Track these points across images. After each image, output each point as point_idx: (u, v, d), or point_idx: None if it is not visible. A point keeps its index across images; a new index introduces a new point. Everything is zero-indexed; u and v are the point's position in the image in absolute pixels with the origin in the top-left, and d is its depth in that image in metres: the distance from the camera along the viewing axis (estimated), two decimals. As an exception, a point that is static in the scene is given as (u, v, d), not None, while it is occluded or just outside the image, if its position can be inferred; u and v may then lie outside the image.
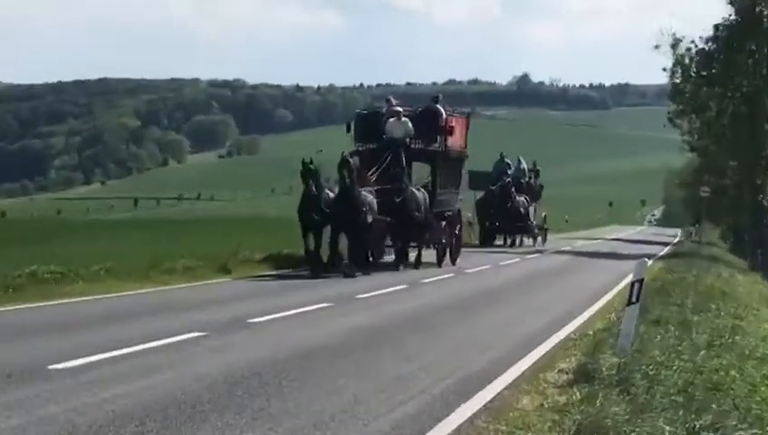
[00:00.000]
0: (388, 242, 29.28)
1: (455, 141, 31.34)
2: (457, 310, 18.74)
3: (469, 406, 9.96)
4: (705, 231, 72.29)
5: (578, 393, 10.52)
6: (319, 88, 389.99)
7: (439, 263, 29.76)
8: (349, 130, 30.67)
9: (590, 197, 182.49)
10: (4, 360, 11.34)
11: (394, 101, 30.66)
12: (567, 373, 11.97)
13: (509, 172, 46.29)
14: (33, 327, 14.53)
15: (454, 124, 31.33)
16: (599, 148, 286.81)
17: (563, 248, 46.30)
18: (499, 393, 10.71)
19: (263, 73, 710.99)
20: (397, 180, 27.18)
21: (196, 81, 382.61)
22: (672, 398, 10.03)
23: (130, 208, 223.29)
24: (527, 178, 48.17)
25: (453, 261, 30.50)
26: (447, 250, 30.51)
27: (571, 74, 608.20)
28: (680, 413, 9.35)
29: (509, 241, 46.68)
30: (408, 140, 28.80)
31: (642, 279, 13.01)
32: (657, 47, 51.27)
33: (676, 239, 73.68)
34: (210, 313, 16.68)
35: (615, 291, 23.11)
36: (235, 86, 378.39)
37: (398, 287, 22.49)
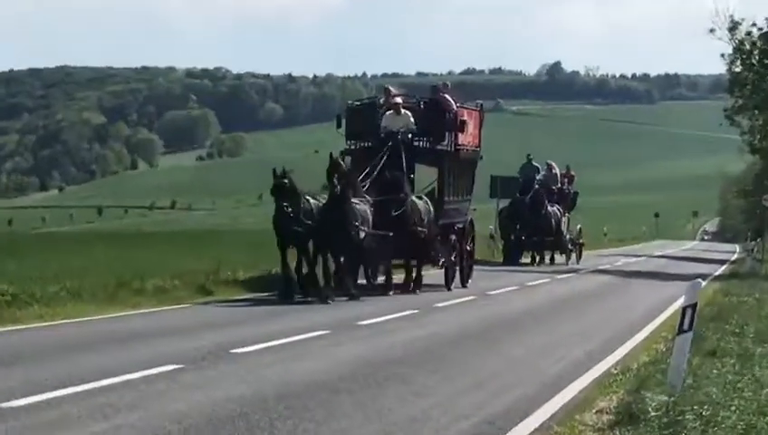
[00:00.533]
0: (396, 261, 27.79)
1: (466, 139, 29.88)
2: (477, 339, 18.72)
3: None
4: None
5: (619, 438, 10.51)
6: (314, 78, 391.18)
7: (448, 285, 28.70)
8: (339, 125, 29.27)
9: (633, 206, 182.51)
10: None
11: (393, 91, 29.45)
12: (607, 414, 11.96)
13: (537, 177, 45.94)
14: None
15: (465, 118, 29.60)
16: (642, 148, 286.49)
17: (601, 267, 46.22)
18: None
19: (248, 61, 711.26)
20: (395, 188, 25.90)
21: (170, 69, 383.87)
22: (731, 444, 10.02)
23: (94, 218, 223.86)
24: (559, 185, 47.28)
25: (463, 282, 29.60)
26: (457, 269, 29.35)
27: (611, 63, 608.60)
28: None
29: (537, 258, 46.20)
30: (409, 137, 27.63)
31: (695, 304, 12.96)
32: (712, 31, 51.06)
33: (735, 257, 73.43)
34: (187, 341, 16.70)
35: (663, 318, 23.07)
36: (216, 76, 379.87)
37: (405, 313, 22.24)
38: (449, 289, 28.09)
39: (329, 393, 12.53)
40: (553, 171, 46.98)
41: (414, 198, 26.64)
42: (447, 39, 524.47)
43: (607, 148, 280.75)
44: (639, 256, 61.95)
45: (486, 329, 20.77)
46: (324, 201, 24.51)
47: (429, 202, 27.53)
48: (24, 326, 18.25)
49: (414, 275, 27.29)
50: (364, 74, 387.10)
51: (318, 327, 18.75)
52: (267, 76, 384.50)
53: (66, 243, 53.93)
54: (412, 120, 27.60)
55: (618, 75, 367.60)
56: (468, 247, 30.29)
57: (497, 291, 29.67)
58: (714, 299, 26.65)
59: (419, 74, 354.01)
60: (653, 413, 11.15)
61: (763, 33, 50.67)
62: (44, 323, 18.66)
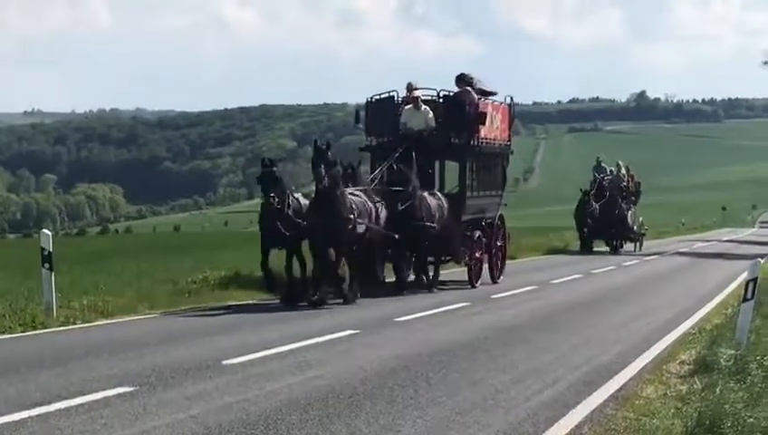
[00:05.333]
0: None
1: (491, 133, 23.04)
2: (586, 307, 18.54)
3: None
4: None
5: (698, 383, 10.38)
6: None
7: (472, 282, 22.00)
8: (357, 120, 22.81)
9: (705, 202, 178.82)
10: (182, 355, 11.63)
11: (414, 86, 22.17)
12: (687, 364, 11.81)
13: (606, 177, 42.52)
14: (204, 328, 14.79)
15: (487, 111, 22.59)
16: (711, 157, 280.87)
17: (681, 250, 45.42)
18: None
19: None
20: (402, 182, 20.15)
21: (344, 105, 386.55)
22: (787, 387, 9.83)
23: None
24: (625, 183, 45.32)
25: (494, 279, 23.15)
26: (485, 266, 22.89)
27: (685, 90, 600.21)
28: (795, 401, 9.17)
29: (614, 245, 41.90)
30: (425, 133, 21.45)
31: (756, 278, 12.83)
32: (765, 63, 51.14)
33: (788, 240, 71.60)
34: (364, 312, 16.75)
35: (730, 289, 22.61)
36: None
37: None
38: (473, 286, 21.81)
39: (470, 351, 12.55)
40: (621, 172, 45.04)
41: (426, 193, 20.72)
42: (557, 75, 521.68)
43: (682, 157, 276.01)
44: (710, 240, 60.78)
45: (595, 298, 20.34)
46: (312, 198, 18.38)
47: (443, 198, 21.36)
48: (239, 302, 18.19)
49: (432, 272, 21.28)
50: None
51: (460, 300, 18.72)
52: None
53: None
54: (431, 115, 21.55)
55: (691, 100, 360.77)
56: (499, 243, 23.77)
57: (599, 270, 29.28)
58: (772, 273, 26.03)
59: (535, 103, 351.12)
60: (724, 363, 11.02)
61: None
62: (256, 301, 18.72)
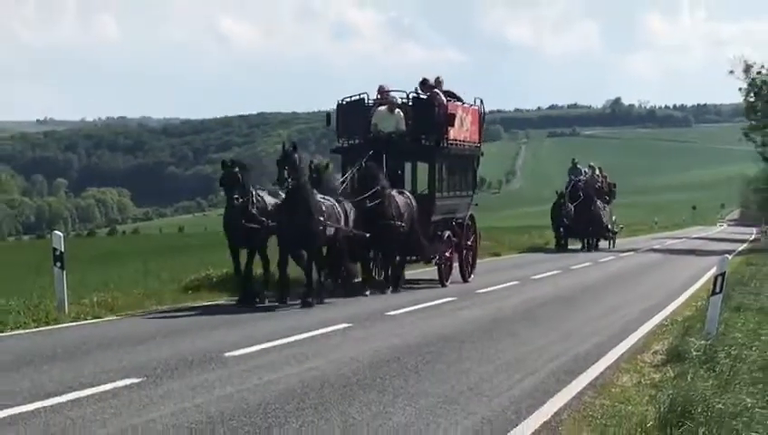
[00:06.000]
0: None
1: (460, 135, 21.67)
2: (564, 302, 18.55)
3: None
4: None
5: (670, 371, 10.42)
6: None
7: (442, 281, 20.87)
8: (329, 122, 21.36)
9: (677, 202, 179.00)
10: (187, 348, 11.62)
11: (386, 89, 20.97)
12: (660, 354, 11.83)
13: (581, 178, 42.16)
14: (207, 322, 14.77)
15: (456, 112, 21.33)
16: (682, 159, 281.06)
17: (654, 247, 45.44)
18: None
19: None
20: (371, 181, 18.81)
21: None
22: (753, 374, 9.90)
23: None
24: (599, 183, 44.86)
25: (464, 278, 22.01)
26: (454, 266, 21.75)
27: (657, 97, 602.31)
28: (760, 387, 9.23)
29: (586, 244, 41.26)
30: (395, 135, 20.27)
31: (724, 272, 12.88)
32: (731, 72, 51.24)
33: (752, 237, 71.64)
34: (355, 307, 16.74)
35: (700, 283, 22.66)
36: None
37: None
38: (443, 286, 20.67)
39: (456, 343, 12.54)
40: (595, 173, 44.55)
41: (394, 191, 19.46)
42: (537, 83, 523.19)
43: (655, 160, 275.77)
44: (681, 237, 60.93)
45: (573, 294, 20.25)
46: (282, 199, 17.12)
47: (412, 197, 20.14)
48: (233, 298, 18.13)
49: (392, 271, 19.78)
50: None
51: (446, 295, 18.73)
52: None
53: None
54: (401, 117, 20.45)
55: (663, 106, 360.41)
56: (469, 243, 22.60)
57: (577, 266, 29.26)
58: (738, 268, 26.10)
59: (516, 110, 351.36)
60: (694, 353, 11.04)
61: (768, 72, 50.62)
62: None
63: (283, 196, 16.80)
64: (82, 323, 14.42)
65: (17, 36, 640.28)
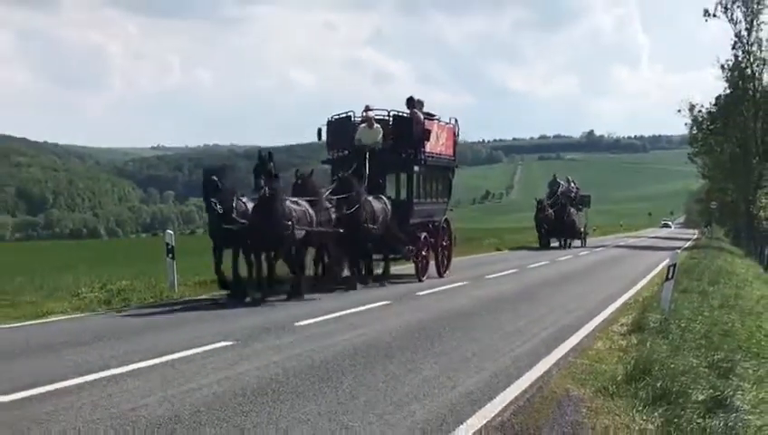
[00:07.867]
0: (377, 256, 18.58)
1: (436, 149, 19.61)
2: (550, 286, 18.41)
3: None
4: (714, 231, 70.70)
5: (634, 339, 10.37)
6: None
7: (419, 277, 18.57)
8: (320, 137, 19.04)
9: (636, 210, 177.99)
10: (268, 319, 11.57)
11: (370, 107, 18.76)
12: (626, 326, 11.76)
13: (560, 189, 40.72)
14: (277, 299, 14.68)
15: (432, 129, 19.20)
16: (641, 178, 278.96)
17: (619, 243, 45.14)
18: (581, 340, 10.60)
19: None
20: (348, 188, 16.42)
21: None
22: (697, 341, 9.90)
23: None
24: (573, 193, 44.25)
25: (440, 273, 19.77)
26: (431, 263, 19.49)
27: (622, 129, 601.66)
28: (703, 351, 9.23)
29: (563, 243, 39.77)
30: (375, 148, 18.15)
31: (675, 263, 12.86)
32: (679, 111, 52.54)
33: (695, 237, 71.22)
34: (390, 290, 16.58)
35: (655, 271, 22.45)
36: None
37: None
38: (420, 280, 18.35)
39: (469, 316, 12.50)
40: (570, 184, 43.92)
41: (371, 198, 17.26)
42: (530, 118, 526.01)
43: (620, 178, 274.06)
44: (640, 237, 60.69)
45: (559, 279, 20.07)
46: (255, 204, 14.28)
47: (388, 202, 17.95)
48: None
49: (366, 266, 17.81)
50: (483, 140, 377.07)
51: (462, 280, 18.61)
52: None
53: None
54: (381, 133, 18.39)
55: (626, 136, 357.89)
56: (444, 243, 20.40)
57: (562, 258, 29.00)
58: (684, 261, 25.86)
59: (514, 139, 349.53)
60: (652, 325, 11.01)
61: (707, 110, 50.69)
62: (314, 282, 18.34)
63: (257, 201, 14.04)
64: (187, 298, 14.49)
65: (137, 82, 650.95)
